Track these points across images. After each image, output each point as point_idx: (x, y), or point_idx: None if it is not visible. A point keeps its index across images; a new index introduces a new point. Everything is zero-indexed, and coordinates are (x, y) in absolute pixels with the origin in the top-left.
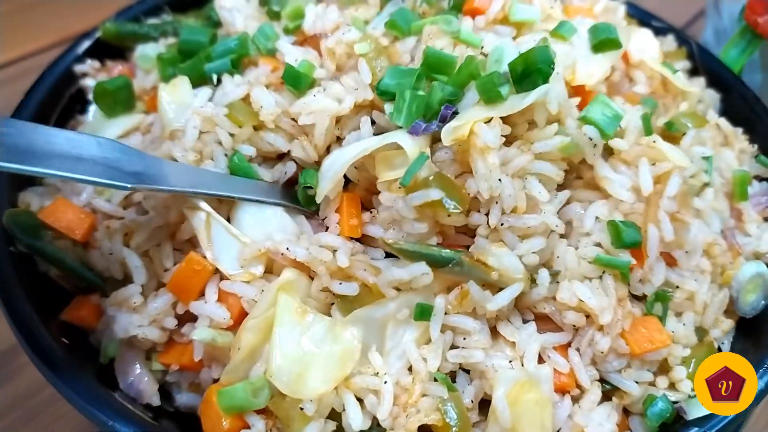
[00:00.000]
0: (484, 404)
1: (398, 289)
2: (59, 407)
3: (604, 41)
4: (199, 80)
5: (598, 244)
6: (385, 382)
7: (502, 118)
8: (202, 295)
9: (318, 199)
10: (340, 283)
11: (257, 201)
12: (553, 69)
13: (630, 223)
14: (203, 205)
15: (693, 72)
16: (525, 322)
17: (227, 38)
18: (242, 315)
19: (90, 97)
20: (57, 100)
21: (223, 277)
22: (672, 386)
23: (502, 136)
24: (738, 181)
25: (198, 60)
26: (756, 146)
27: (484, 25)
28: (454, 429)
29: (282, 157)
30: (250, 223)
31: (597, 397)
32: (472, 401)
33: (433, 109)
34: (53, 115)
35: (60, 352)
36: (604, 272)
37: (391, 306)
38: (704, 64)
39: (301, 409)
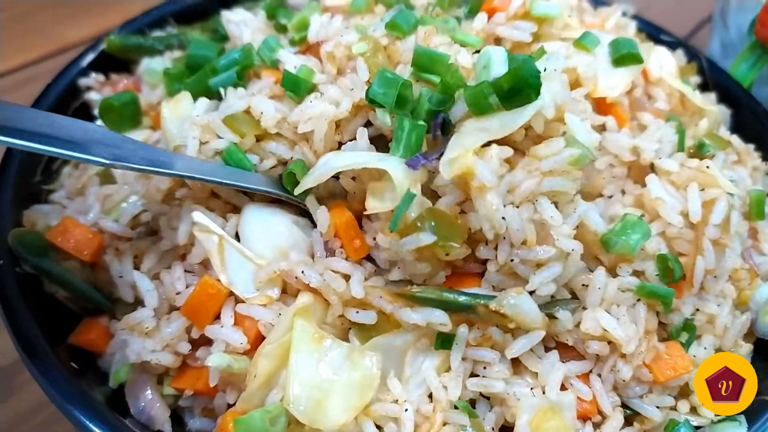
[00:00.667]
0: (504, 431)
1: None
2: (62, 425)
3: (625, 56)
4: (205, 95)
5: (637, 272)
6: (406, 410)
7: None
8: (216, 318)
9: (297, 191)
10: (357, 312)
11: (246, 188)
12: (540, 83)
13: (675, 257)
14: (215, 228)
15: (703, 87)
16: (547, 349)
17: (231, 50)
18: (259, 339)
19: (95, 111)
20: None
21: (238, 300)
22: (693, 410)
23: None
24: (755, 201)
25: (203, 74)
26: None
27: (504, 21)
28: None
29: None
30: (258, 237)
31: (619, 423)
32: (493, 429)
33: (422, 117)
34: None
35: (69, 377)
36: (639, 300)
37: (411, 335)
38: (714, 78)
39: None
